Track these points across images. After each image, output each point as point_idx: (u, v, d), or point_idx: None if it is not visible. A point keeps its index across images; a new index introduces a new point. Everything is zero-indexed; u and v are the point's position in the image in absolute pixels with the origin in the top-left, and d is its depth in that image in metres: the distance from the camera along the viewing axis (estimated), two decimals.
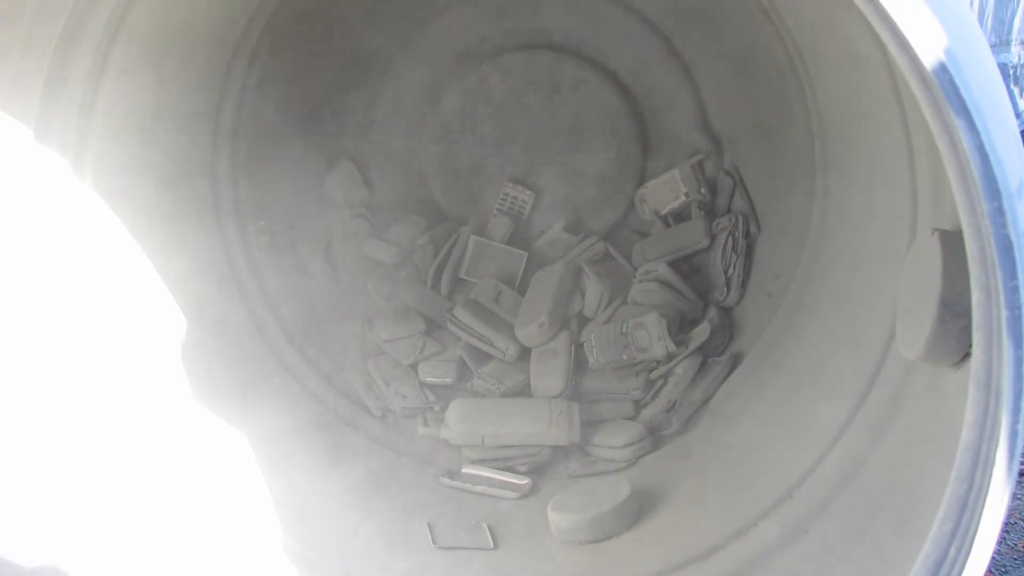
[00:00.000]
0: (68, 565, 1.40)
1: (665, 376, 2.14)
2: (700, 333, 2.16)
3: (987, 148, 0.85)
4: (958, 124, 0.85)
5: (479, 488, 1.96)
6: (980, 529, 0.93)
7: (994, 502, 0.91)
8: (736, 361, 2.14)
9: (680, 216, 2.52)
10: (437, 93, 2.63)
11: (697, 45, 2.51)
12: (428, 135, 2.64)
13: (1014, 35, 4.41)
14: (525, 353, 2.26)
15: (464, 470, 2.02)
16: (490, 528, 1.81)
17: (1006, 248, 0.86)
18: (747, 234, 2.34)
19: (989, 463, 0.91)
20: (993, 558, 0.97)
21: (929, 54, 0.86)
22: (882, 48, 1.32)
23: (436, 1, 2.55)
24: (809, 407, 1.71)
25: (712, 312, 2.25)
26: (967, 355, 1.13)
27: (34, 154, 1.57)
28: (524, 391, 2.21)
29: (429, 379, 2.26)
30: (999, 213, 0.86)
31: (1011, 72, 4.32)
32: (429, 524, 1.80)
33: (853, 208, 1.84)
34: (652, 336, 2.10)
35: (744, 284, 2.31)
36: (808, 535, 1.46)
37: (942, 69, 0.85)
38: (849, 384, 1.55)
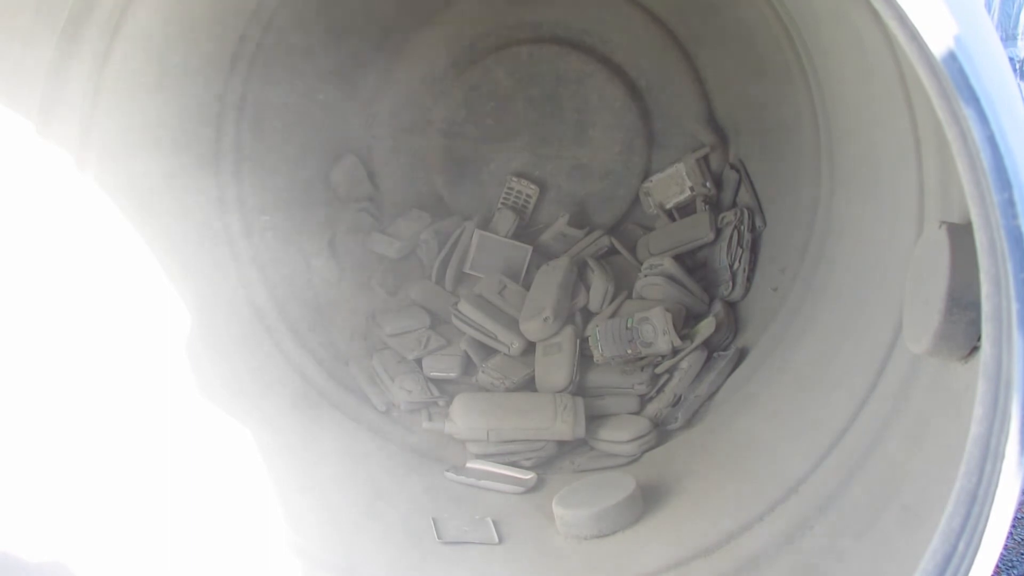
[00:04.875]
0: (73, 560, 1.40)
1: (670, 371, 2.13)
2: (705, 327, 2.16)
3: (997, 138, 0.84)
4: (968, 114, 0.84)
5: (484, 483, 1.96)
6: (989, 524, 0.92)
7: (1004, 496, 0.90)
8: (741, 355, 2.13)
9: (685, 210, 2.52)
10: (441, 87, 2.63)
11: (702, 38, 2.50)
12: (432, 129, 2.64)
13: (1020, 29, 4.40)
14: (530, 347, 2.26)
15: (469, 465, 2.01)
16: (495, 523, 1.80)
17: (1016, 240, 0.86)
18: (753, 228, 2.33)
19: (999, 457, 0.90)
20: (1000, 554, 0.96)
21: (938, 42, 0.85)
22: (889, 39, 1.31)
23: None
24: (815, 401, 1.70)
25: (717, 306, 2.24)
26: (975, 349, 1.12)
27: (36, 147, 1.57)
28: (529, 385, 2.21)
29: (433, 374, 2.26)
30: (1009, 204, 0.85)
31: (1017, 66, 4.31)
32: (434, 519, 1.80)
33: (859, 202, 1.83)
34: (657, 330, 2.10)
35: (750, 278, 2.30)
36: (814, 530, 1.45)
37: (951, 58, 0.84)
38: (855, 378, 1.54)
